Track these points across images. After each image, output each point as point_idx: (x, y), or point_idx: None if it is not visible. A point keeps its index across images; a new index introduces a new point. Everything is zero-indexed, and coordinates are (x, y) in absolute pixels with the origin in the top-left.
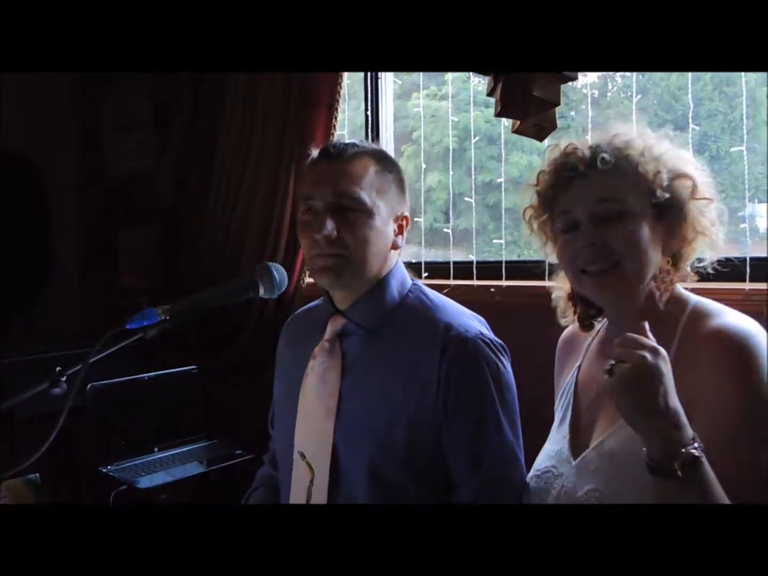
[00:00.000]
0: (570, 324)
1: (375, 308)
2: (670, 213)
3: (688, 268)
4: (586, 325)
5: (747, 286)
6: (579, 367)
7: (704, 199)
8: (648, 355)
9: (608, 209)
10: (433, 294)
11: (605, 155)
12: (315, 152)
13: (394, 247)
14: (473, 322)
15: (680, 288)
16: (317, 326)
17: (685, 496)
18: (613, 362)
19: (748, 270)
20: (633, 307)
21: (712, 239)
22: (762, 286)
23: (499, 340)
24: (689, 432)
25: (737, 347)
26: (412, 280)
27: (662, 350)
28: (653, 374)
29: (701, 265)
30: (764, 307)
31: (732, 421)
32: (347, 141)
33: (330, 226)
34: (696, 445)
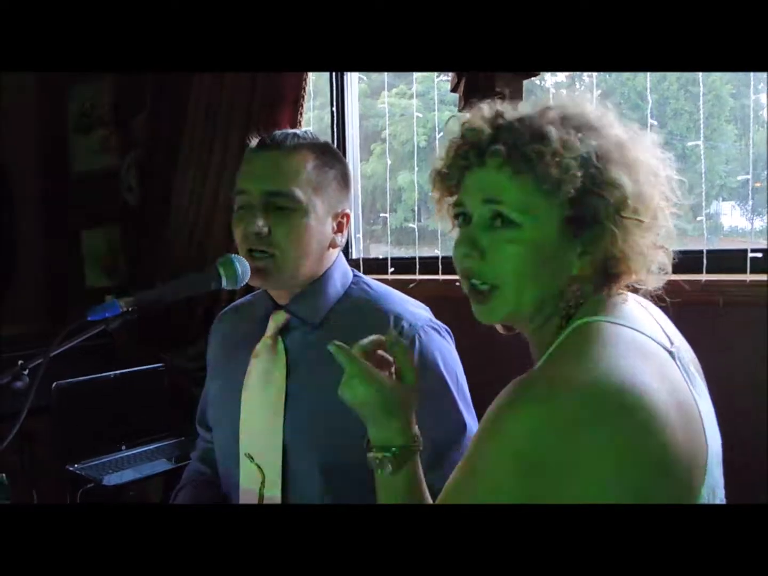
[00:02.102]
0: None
1: (318, 302)
2: (582, 229)
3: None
4: (508, 328)
5: (704, 277)
6: None
7: (632, 218)
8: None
9: (495, 214)
10: (376, 284)
11: (498, 148)
12: (254, 142)
13: (333, 245)
14: (420, 311)
15: (594, 299)
16: (254, 322)
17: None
18: None
19: (705, 261)
20: (531, 326)
21: (645, 264)
22: (718, 277)
23: (444, 325)
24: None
25: (499, 401)
26: (353, 271)
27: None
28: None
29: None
30: (719, 296)
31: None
32: (290, 132)
33: (261, 223)
34: (379, 453)
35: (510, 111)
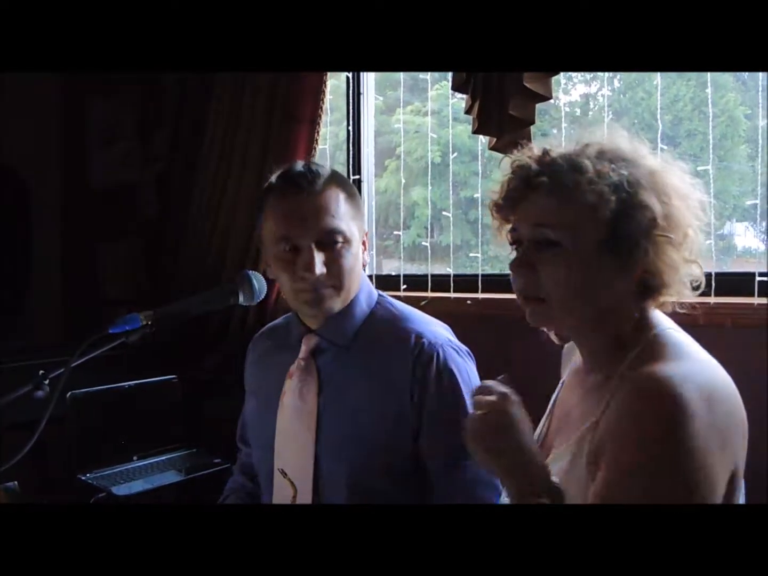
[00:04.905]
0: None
1: (347, 324)
2: (620, 247)
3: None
4: (561, 337)
5: (712, 299)
6: (562, 383)
7: (663, 235)
8: (495, 402)
9: (544, 236)
10: (399, 304)
11: (543, 180)
12: (278, 181)
13: (363, 264)
14: (440, 330)
15: (651, 314)
16: (288, 345)
17: None
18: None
19: (713, 284)
20: (582, 336)
21: (678, 277)
22: (726, 300)
23: (465, 347)
24: (543, 482)
25: (654, 404)
26: (377, 291)
27: (512, 397)
28: (498, 422)
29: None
30: (728, 319)
31: (617, 478)
32: (311, 170)
33: (320, 263)
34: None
35: (555, 149)
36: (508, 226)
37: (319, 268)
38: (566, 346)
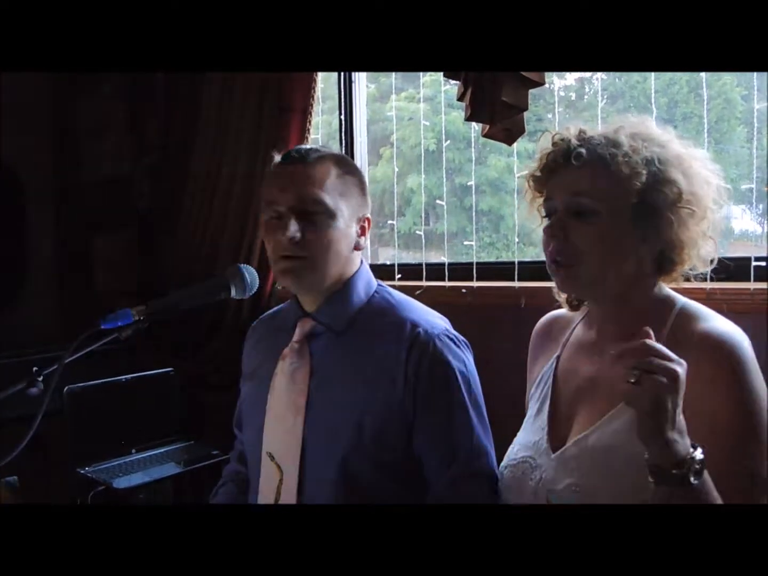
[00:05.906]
0: (564, 303)
1: (342, 310)
2: (646, 218)
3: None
4: (573, 305)
5: (708, 285)
6: (558, 358)
7: (686, 209)
8: (679, 370)
9: (580, 204)
10: (398, 294)
11: (581, 151)
12: (278, 157)
13: (357, 247)
14: (438, 320)
15: (666, 288)
16: (285, 329)
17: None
18: (636, 371)
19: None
20: (607, 303)
21: (696, 251)
22: (722, 285)
23: (462, 337)
24: (688, 439)
25: (727, 353)
26: (377, 281)
27: (684, 363)
28: (681, 389)
29: (692, 272)
30: (724, 305)
31: (727, 427)
32: (309, 146)
33: (294, 228)
34: (700, 450)
35: (590, 129)
36: (541, 199)
37: (292, 232)
38: (538, 325)
